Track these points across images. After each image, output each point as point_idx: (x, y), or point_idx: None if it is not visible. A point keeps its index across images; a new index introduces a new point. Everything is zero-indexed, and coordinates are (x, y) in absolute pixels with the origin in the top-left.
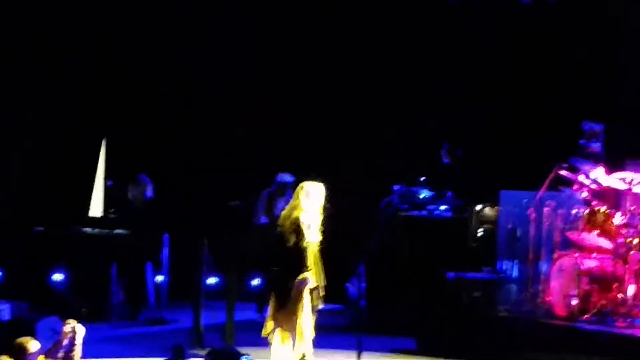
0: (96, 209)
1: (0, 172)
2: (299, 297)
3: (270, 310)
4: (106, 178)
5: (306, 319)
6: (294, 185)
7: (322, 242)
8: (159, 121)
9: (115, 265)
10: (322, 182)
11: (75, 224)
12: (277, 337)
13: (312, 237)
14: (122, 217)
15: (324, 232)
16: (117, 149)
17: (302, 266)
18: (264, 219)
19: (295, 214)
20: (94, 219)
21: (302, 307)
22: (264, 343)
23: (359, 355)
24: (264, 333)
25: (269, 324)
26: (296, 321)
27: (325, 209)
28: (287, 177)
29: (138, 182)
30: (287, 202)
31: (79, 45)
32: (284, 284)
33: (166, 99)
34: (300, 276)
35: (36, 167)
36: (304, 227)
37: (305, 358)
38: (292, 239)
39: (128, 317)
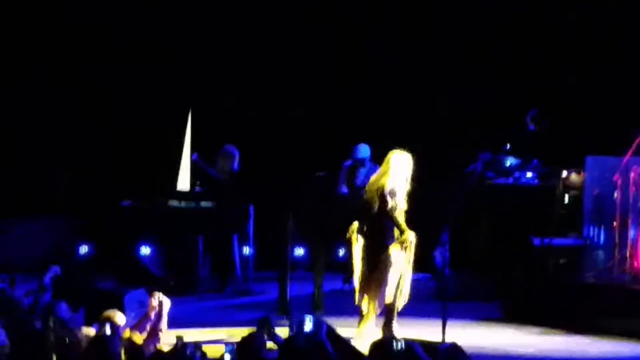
0: (183, 181)
1: (86, 146)
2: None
3: (358, 278)
4: (192, 150)
5: (394, 285)
6: (372, 156)
7: (408, 212)
8: (245, 92)
9: (202, 238)
10: (408, 149)
11: (162, 197)
12: (365, 306)
13: (399, 205)
14: (209, 189)
15: (410, 202)
16: (203, 120)
17: (397, 228)
18: (344, 189)
19: (382, 181)
20: (181, 192)
21: (392, 273)
22: (351, 312)
23: (444, 324)
24: (357, 302)
25: (358, 293)
26: (384, 288)
27: (413, 179)
28: (363, 148)
29: (225, 154)
30: (367, 173)
31: (163, 15)
32: (371, 251)
33: (251, 70)
34: (403, 236)
35: (122, 140)
36: (388, 193)
37: (391, 324)
38: (377, 206)
39: (215, 289)
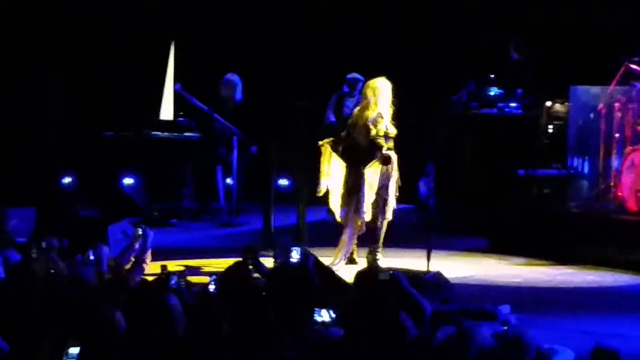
0: (167, 112)
1: (69, 78)
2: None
3: (341, 203)
4: (175, 81)
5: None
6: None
7: (395, 139)
8: (227, 22)
9: (185, 169)
10: (393, 80)
11: (145, 127)
12: (346, 231)
13: (389, 131)
14: (194, 120)
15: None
16: (185, 51)
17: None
18: (333, 118)
19: (366, 113)
20: (164, 122)
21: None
22: (334, 243)
23: (429, 254)
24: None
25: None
26: (362, 208)
27: (394, 103)
28: (356, 79)
29: (227, 83)
30: (355, 104)
31: None
32: (351, 174)
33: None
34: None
35: (106, 72)
36: (371, 123)
37: (376, 254)
38: (364, 139)
39: (199, 220)
